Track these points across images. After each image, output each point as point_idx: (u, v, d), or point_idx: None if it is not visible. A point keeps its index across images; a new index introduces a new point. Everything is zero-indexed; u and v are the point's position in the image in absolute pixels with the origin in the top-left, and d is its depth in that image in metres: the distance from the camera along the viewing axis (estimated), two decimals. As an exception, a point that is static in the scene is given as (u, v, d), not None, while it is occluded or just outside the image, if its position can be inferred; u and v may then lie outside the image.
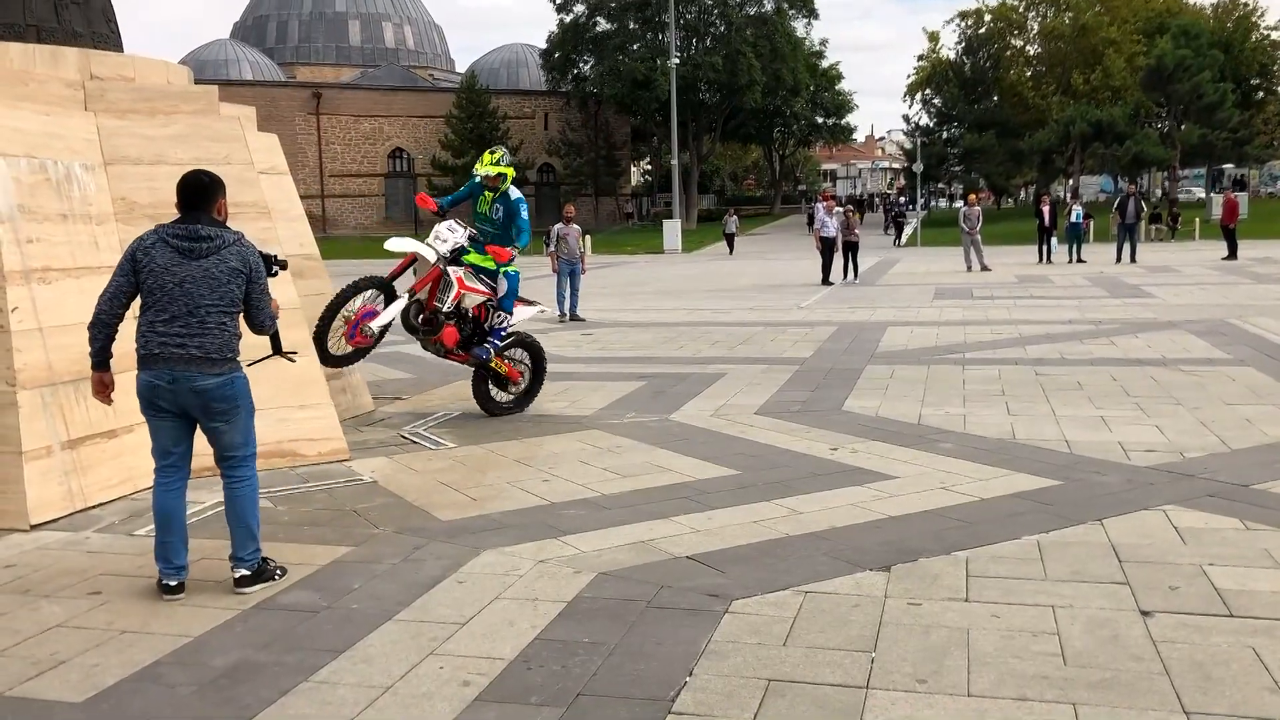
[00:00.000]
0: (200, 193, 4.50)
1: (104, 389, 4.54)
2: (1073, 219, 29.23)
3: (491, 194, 8.31)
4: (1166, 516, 5.21)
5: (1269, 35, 58.79)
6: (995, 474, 6.11)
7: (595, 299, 19.15)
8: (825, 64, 70.59)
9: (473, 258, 8.01)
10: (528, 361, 8.74)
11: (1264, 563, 4.51)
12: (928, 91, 59.94)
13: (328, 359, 7.43)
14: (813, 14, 65.00)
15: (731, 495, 5.86)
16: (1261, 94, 58.64)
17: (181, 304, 4.34)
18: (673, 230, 43.88)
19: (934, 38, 61.19)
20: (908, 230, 46.23)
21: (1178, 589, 4.25)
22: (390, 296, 7.79)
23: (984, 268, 25.19)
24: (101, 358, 4.47)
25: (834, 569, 4.60)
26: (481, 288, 8.10)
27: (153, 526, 4.63)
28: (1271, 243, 32.14)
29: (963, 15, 60.23)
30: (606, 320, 16.49)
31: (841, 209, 24.76)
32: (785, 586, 4.40)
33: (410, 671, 3.70)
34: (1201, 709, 3.25)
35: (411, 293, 7.84)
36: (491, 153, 8.30)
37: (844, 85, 72.42)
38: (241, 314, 4.56)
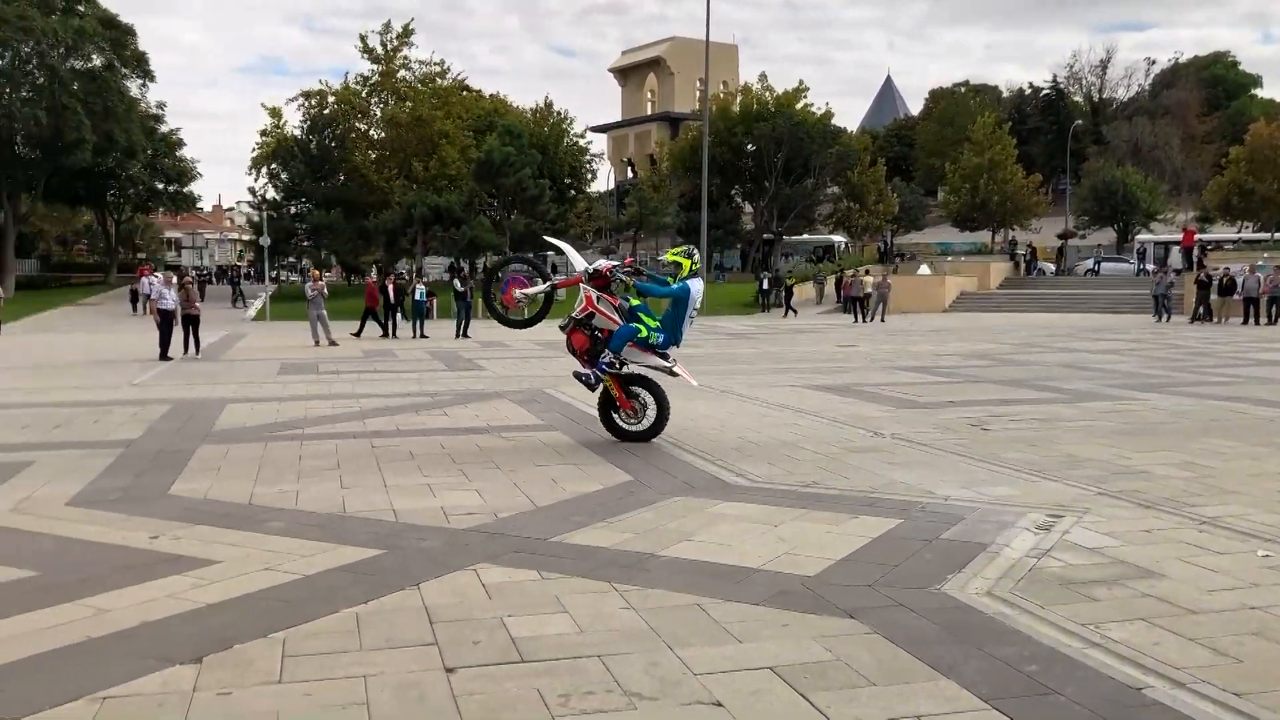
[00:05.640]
0: None
1: None
2: (417, 297, 31.11)
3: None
4: (477, 575, 5.62)
5: (576, 142, 67.65)
6: (321, 549, 6.14)
7: None
8: (165, 128, 67.18)
9: (634, 300, 9.86)
10: (650, 402, 9.95)
11: (552, 608, 5.06)
12: (274, 165, 59.44)
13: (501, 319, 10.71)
14: (149, 75, 61.54)
15: (28, 599, 5.21)
16: (574, 192, 66.96)
17: None
18: (-23, 297, 38.42)
19: (276, 113, 60.99)
20: (256, 304, 45.31)
21: (479, 642, 4.59)
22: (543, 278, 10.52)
23: (331, 342, 25.50)
24: None
25: (141, 668, 4.28)
26: (614, 318, 9.67)
27: None
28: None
29: (306, 95, 60.88)
30: (-118, 404, 13.89)
31: (182, 280, 23.65)
32: (79, 695, 3.99)
33: None
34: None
35: (554, 285, 10.32)
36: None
37: (186, 152, 69.64)
38: None
